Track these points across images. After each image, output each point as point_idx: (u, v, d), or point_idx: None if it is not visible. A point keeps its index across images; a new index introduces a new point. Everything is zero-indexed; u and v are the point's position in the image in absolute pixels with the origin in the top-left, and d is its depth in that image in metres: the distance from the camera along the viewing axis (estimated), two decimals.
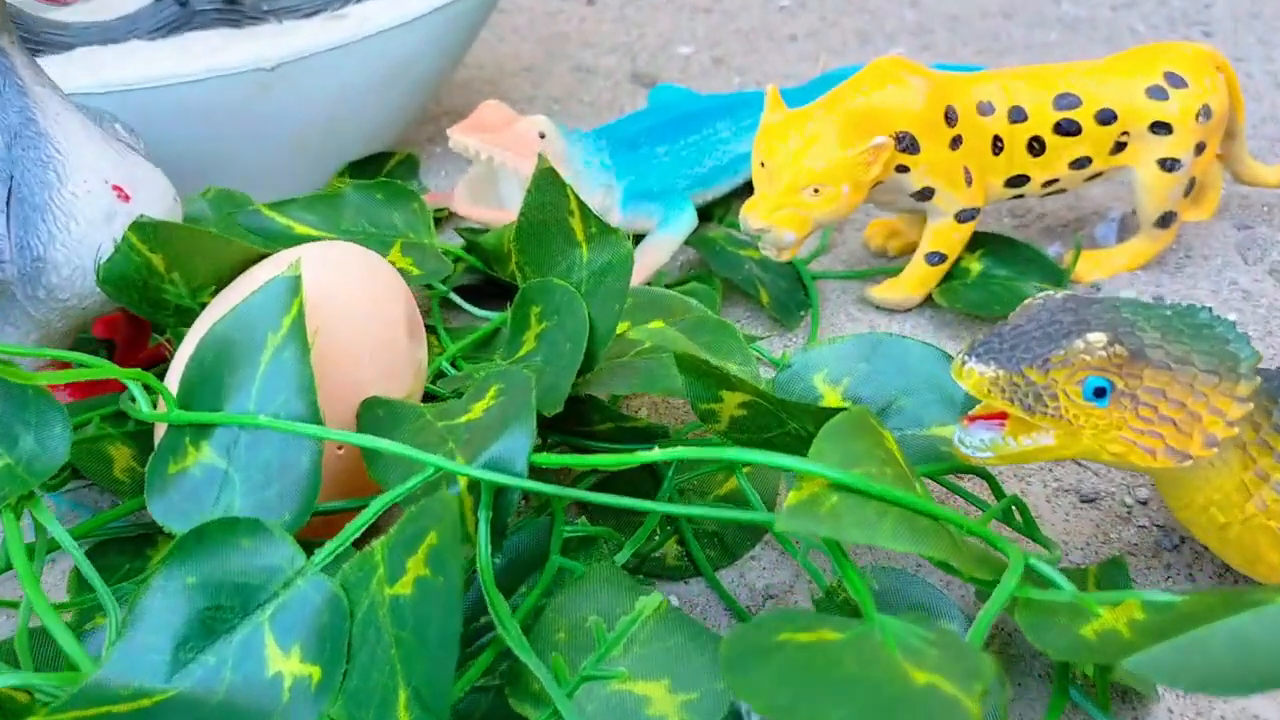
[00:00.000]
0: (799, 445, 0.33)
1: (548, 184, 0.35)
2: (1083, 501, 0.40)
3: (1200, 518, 0.32)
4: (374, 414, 0.33)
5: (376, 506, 0.30)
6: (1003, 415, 0.31)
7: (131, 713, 0.27)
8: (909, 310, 0.50)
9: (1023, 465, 0.42)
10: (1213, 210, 0.56)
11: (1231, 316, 0.50)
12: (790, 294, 0.50)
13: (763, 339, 0.48)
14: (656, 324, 0.37)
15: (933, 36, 0.76)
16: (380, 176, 0.55)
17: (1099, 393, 0.29)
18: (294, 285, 0.32)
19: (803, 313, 0.49)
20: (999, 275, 0.49)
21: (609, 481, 0.39)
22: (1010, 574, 0.27)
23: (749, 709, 0.27)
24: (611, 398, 0.42)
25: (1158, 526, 0.39)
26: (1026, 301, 0.32)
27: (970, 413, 0.32)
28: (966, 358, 0.30)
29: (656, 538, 0.38)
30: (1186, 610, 0.25)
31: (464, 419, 0.33)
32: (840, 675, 0.22)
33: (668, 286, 0.50)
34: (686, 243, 0.51)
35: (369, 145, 0.56)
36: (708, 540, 0.38)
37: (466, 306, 0.46)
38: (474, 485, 0.31)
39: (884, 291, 0.49)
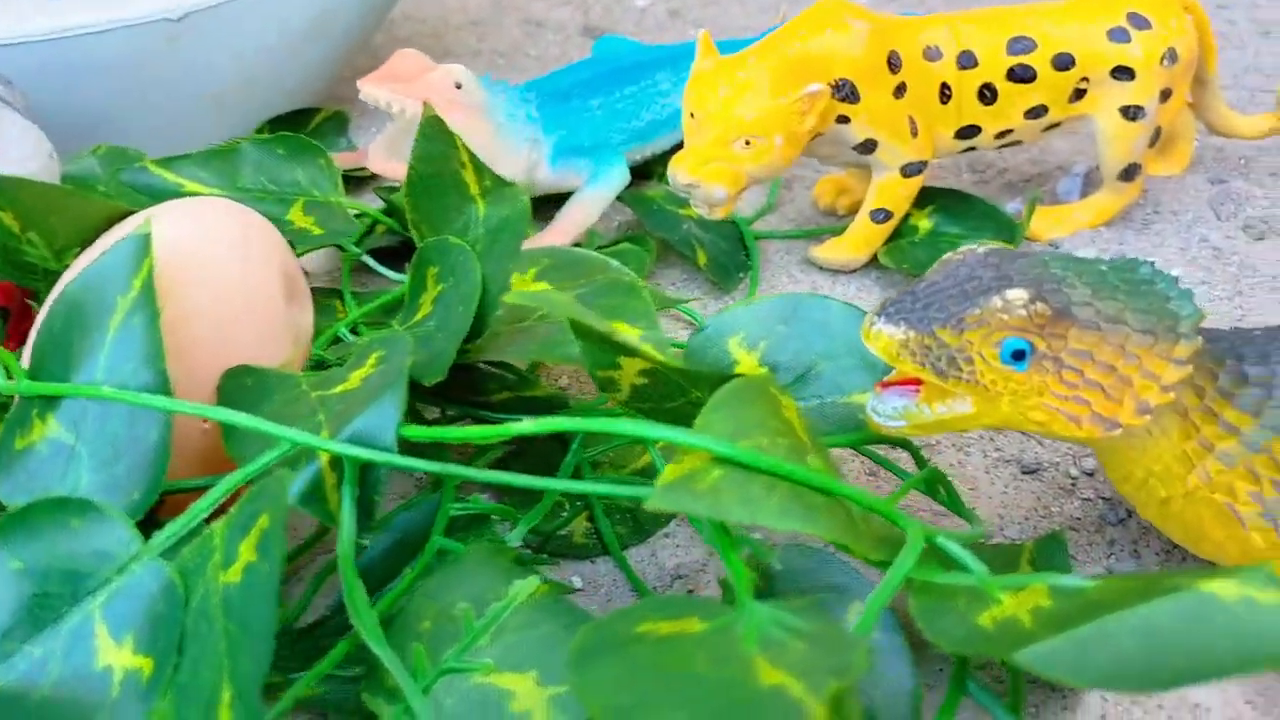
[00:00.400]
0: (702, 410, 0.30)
1: (435, 134, 0.32)
2: (1024, 473, 0.37)
3: (1140, 491, 0.30)
4: (240, 384, 0.30)
5: (224, 485, 0.27)
6: (918, 381, 0.29)
7: None
8: (854, 271, 0.47)
9: (963, 434, 0.39)
10: (1185, 163, 0.53)
11: (1200, 275, 0.47)
12: (731, 255, 0.47)
13: (691, 301, 0.45)
14: (540, 286, 0.34)
15: None
16: (305, 133, 0.52)
17: (1018, 355, 0.26)
18: (143, 245, 0.29)
19: (742, 274, 0.47)
20: (950, 233, 0.46)
21: (519, 455, 0.37)
22: (906, 554, 0.24)
23: None
24: (530, 365, 0.40)
25: (1103, 499, 0.36)
26: (946, 256, 0.29)
27: (884, 379, 0.30)
28: (875, 318, 0.28)
29: (565, 514, 0.35)
30: (1097, 597, 0.23)
31: (340, 389, 0.30)
32: (687, 674, 0.20)
33: (600, 248, 0.47)
34: (623, 201, 0.49)
35: (293, 101, 0.53)
36: (619, 516, 0.35)
37: (381, 269, 0.44)
38: (337, 461, 0.28)
39: (827, 252, 0.46)
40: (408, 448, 0.28)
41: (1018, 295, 0.26)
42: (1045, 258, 0.28)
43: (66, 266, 0.34)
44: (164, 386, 0.28)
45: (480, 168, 0.33)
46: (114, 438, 0.28)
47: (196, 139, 0.49)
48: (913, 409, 0.28)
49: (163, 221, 0.31)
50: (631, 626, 0.22)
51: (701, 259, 0.46)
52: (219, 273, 0.31)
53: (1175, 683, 0.21)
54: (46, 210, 0.32)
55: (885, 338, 0.27)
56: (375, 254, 0.45)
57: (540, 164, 0.47)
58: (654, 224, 0.47)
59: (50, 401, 0.29)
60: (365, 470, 0.28)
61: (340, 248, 0.44)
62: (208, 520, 0.27)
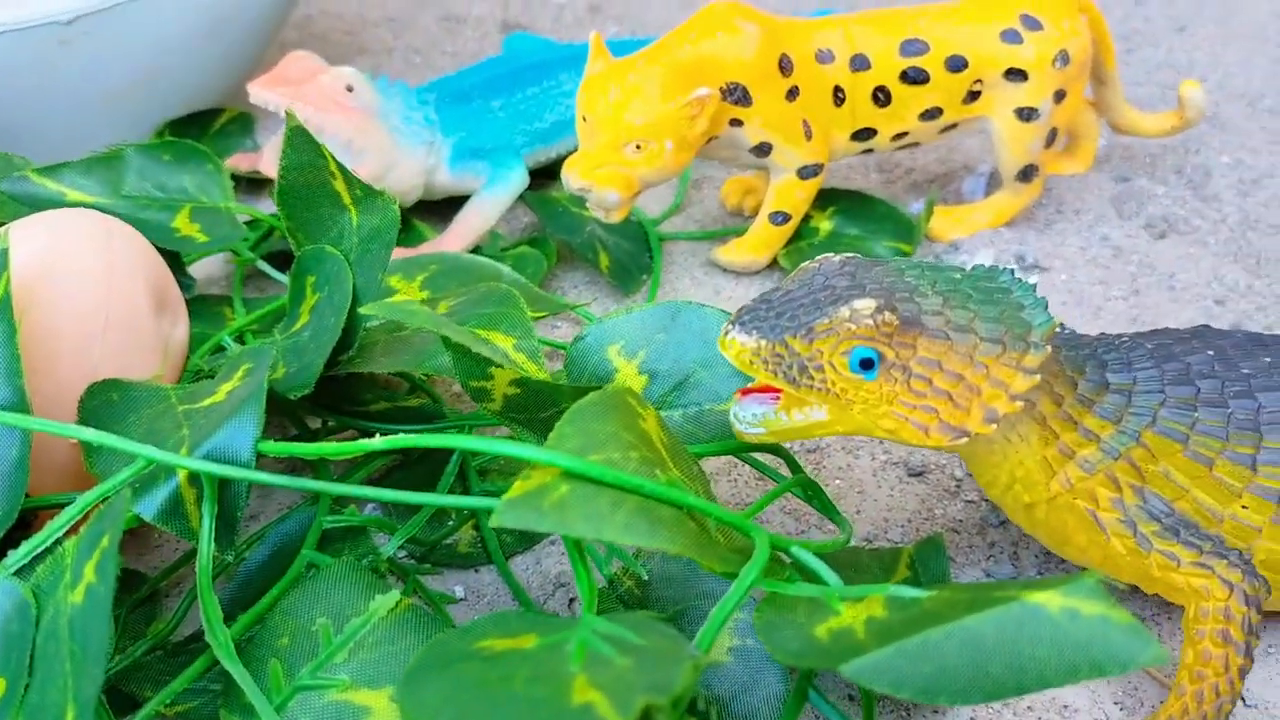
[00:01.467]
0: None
1: (301, 144, 0.32)
2: (910, 475, 0.38)
3: (1006, 496, 0.30)
4: (105, 399, 0.30)
5: (81, 504, 0.27)
6: (778, 391, 0.29)
7: None
8: (756, 273, 0.47)
9: (852, 439, 0.39)
10: (1089, 162, 0.53)
11: (1099, 275, 0.47)
12: (634, 256, 0.47)
13: (591, 304, 0.45)
14: (417, 297, 0.34)
15: None
16: (208, 136, 0.52)
17: (866, 364, 0.27)
18: (0, 260, 0.29)
19: (644, 276, 0.47)
20: (849, 234, 0.47)
21: (405, 465, 0.37)
22: (751, 565, 0.25)
23: None
24: (422, 376, 0.40)
25: (985, 501, 0.37)
26: (803, 265, 0.29)
27: (745, 386, 0.30)
28: (730, 326, 0.28)
29: (451, 522, 0.35)
30: (930, 608, 0.23)
31: (207, 402, 0.30)
32: (505, 692, 0.20)
33: (502, 250, 0.47)
34: (526, 203, 0.49)
35: (194, 103, 0.52)
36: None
37: (275, 274, 0.43)
38: (195, 478, 0.28)
39: (729, 254, 0.47)
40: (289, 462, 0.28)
41: (865, 305, 0.27)
42: (902, 265, 0.29)
43: None
44: (22, 404, 0.28)
45: (350, 177, 0.33)
46: None
47: (93, 143, 0.49)
48: (771, 416, 0.29)
49: (21, 234, 0.30)
50: (470, 643, 0.23)
51: (604, 262, 0.46)
52: (80, 286, 0.31)
53: (998, 694, 0.21)
54: None
55: (738, 346, 0.27)
56: (273, 259, 0.45)
57: (439, 166, 0.47)
58: (556, 227, 0.47)
59: None
60: (224, 486, 0.28)
61: (234, 253, 0.44)
62: (65, 537, 0.27)
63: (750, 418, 0.29)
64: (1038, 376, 0.27)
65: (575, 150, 0.51)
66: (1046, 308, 0.28)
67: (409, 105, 0.46)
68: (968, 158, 0.55)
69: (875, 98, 0.44)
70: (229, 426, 0.28)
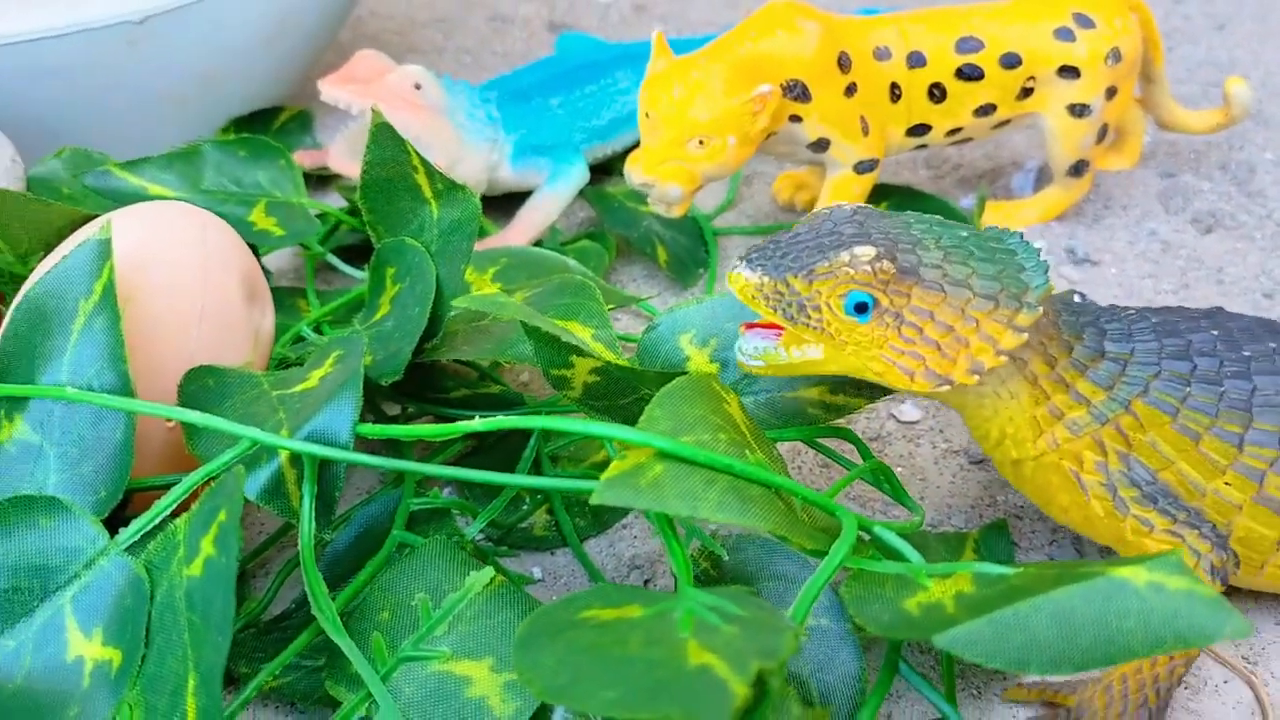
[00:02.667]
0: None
1: (386, 140, 0.33)
2: (971, 463, 0.39)
3: (996, 450, 0.31)
4: (202, 384, 0.31)
5: (188, 483, 0.28)
6: (780, 328, 0.30)
7: None
8: None
9: (914, 427, 0.40)
10: (1136, 158, 0.54)
11: (1148, 269, 0.48)
12: (691, 251, 0.48)
13: (652, 297, 0.46)
14: (490, 289, 0.35)
15: None
16: (270, 133, 0.53)
17: (860, 308, 0.28)
18: (104, 249, 0.30)
19: (701, 270, 0.48)
20: None
21: (481, 449, 0.38)
22: (840, 543, 0.25)
23: None
24: (492, 363, 0.41)
25: None
26: (814, 210, 0.30)
27: (751, 321, 0.31)
28: (739, 262, 0.29)
29: (525, 506, 0.36)
30: (1017, 583, 0.24)
31: (300, 388, 0.31)
32: (621, 655, 0.21)
33: (561, 244, 0.48)
34: (584, 198, 0.50)
35: (256, 101, 0.53)
36: (579, 509, 0.36)
37: (345, 268, 0.45)
38: (296, 459, 0.29)
39: None
40: (369, 444, 0.29)
41: (865, 252, 0.28)
42: (910, 219, 0.30)
43: (31, 270, 0.35)
44: (127, 388, 0.29)
45: (431, 171, 0.34)
46: (80, 438, 0.29)
47: (159, 140, 0.50)
48: (771, 350, 0.30)
49: (122, 226, 0.31)
50: (575, 613, 0.24)
51: (661, 256, 0.47)
52: (179, 276, 0.32)
53: (1086, 664, 0.22)
54: (9, 217, 0.33)
55: (743, 280, 0.29)
56: (339, 252, 0.46)
57: (502, 163, 0.48)
58: (614, 221, 0.48)
59: (17, 403, 0.30)
60: (324, 467, 0.29)
61: (305, 246, 0.45)
62: (172, 516, 0.28)
63: (752, 350, 0.30)
64: (1026, 335, 0.28)
65: (631, 146, 0.53)
66: (1047, 271, 0.29)
67: (473, 103, 0.47)
68: (1015, 153, 0.56)
69: (931, 94, 0.45)
70: (328, 410, 0.29)
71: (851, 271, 0.28)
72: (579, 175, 0.48)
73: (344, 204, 0.49)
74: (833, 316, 0.28)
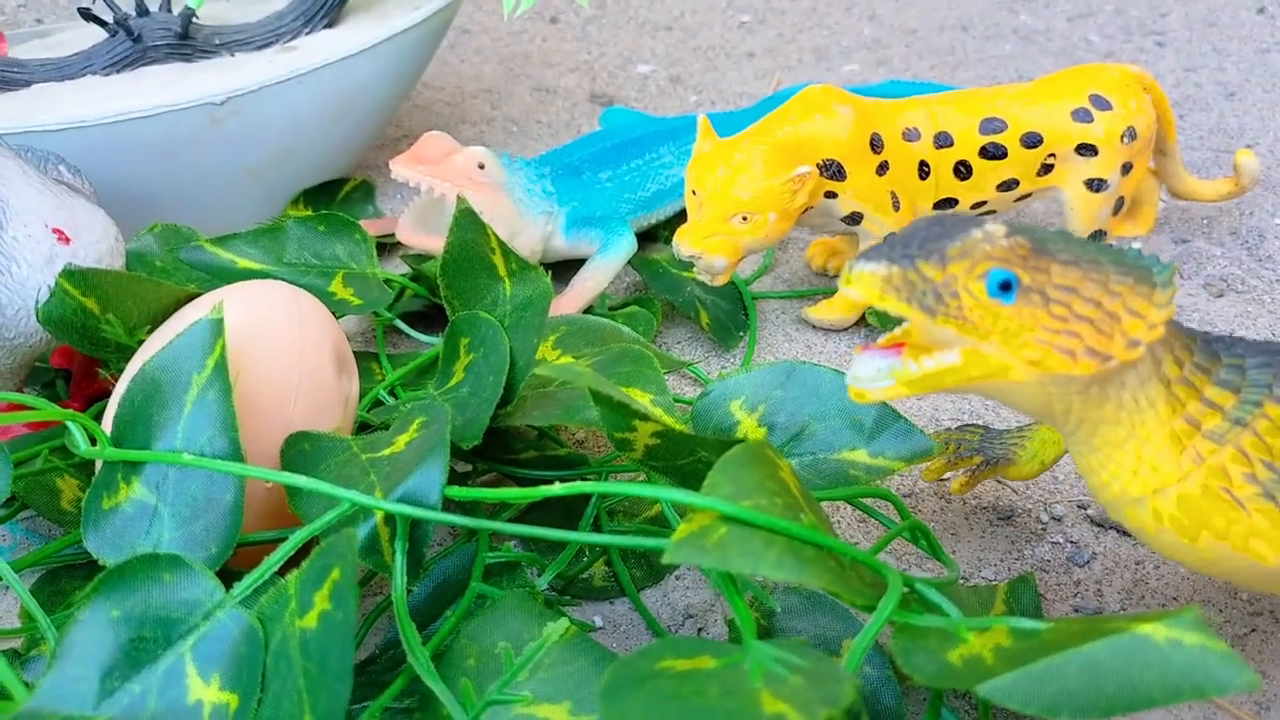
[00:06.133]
0: (709, 472, 0.34)
1: (468, 223, 0.37)
2: (999, 519, 0.41)
3: (1132, 485, 0.29)
4: (300, 449, 0.34)
5: (295, 541, 0.31)
6: (899, 345, 0.28)
7: None
8: (844, 329, 0.51)
9: (945, 483, 0.43)
10: (1150, 225, 0.57)
11: None
12: (731, 315, 0.52)
13: (698, 363, 0.49)
14: (567, 359, 0.38)
15: (889, 51, 0.78)
16: (335, 203, 0.57)
17: (1004, 287, 0.26)
18: (216, 327, 0.33)
19: (741, 333, 0.51)
20: None
21: (540, 507, 0.41)
22: (887, 599, 0.28)
23: None
24: (550, 425, 0.44)
25: (1071, 543, 0.40)
26: (913, 220, 0.29)
27: (861, 345, 0.29)
28: (853, 263, 0.26)
29: (585, 559, 0.39)
30: (1049, 638, 0.27)
31: (387, 452, 0.34)
32: (701, 704, 0.24)
33: (610, 309, 0.51)
34: (631, 265, 0.53)
35: (324, 173, 0.57)
36: (634, 561, 0.39)
37: (412, 333, 0.48)
38: (390, 518, 0.32)
39: (819, 312, 0.51)
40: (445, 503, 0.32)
41: (997, 228, 0.26)
42: (1009, 220, 0.30)
43: (139, 342, 0.38)
44: (238, 454, 0.32)
45: (507, 252, 0.37)
46: (192, 499, 0.32)
47: (237, 211, 0.54)
48: (899, 366, 0.27)
49: (230, 305, 0.35)
50: (652, 664, 0.26)
51: (704, 320, 0.50)
52: (280, 350, 0.35)
53: (1112, 711, 0.25)
54: (123, 295, 0.36)
55: (868, 276, 0.26)
56: (403, 317, 0.50)
57: (556, 234, 0.51)
58: (660, 287, 0.51)
59: (134, 467, 0.33)
60: (414, 526, 0.32)
61: (375, 312, 0.48)
62: (280, 572, 0.31)
63: (874, 372, 0.27)
64: (1172, 308, 0.27)
65: (674, 215, 0.56)
66: (1160, 260, 0.28)
67: (529, 179, 0.50)
68: (1034, 221, 0.59)
69: (957, 171, 0.48)
70: (419, 474, 0.32)
71: (988, 247, 0.25)
72: (628, 246, 0.51)
73: (406, 270, 0.52)
74: (974, 302, 0.25)
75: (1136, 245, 0.50)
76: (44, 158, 0.42)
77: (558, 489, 0.30)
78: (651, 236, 0.56)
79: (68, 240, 0.38)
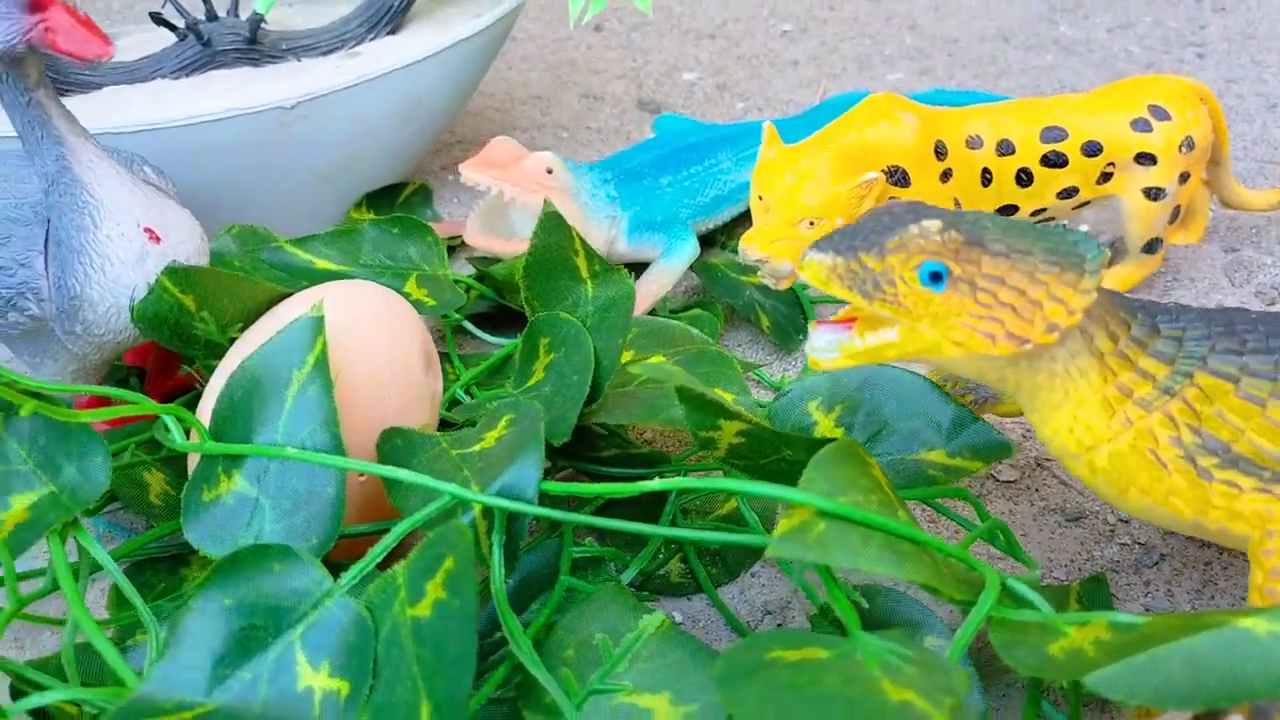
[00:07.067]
0: (792, 470, 0.35)
1: (554, 227, 0.37)
2: (1068, 520, 0.42)
3: (1069, 441, 0.32)
4: (393, 444, 0.35)
5: (398, 532, 0.32)
6: (851, 320, 0.31)
7: None
8: None
9: (1013, 486, 0.44)
10: (1201, 234, 0.58)
11: None
12: (790, 319, 0.52)
13: (763, 366, 0.50)
14: (656, 358, 0.39)
15: (931, 61, 0.78)
16: (396, 206, 0.58)
17: (935, 277, 0.29)
18: (317, 325, 0.34)
19: (801, 336, 0.52)
20: None
21: (617, 503, 0.41)
22: (986, 595, 0.29)
23: None
24: (619, 425, 0.45)
25: (1139, 544, 0.41)
26: (871, 208, 0.32)
27: (817, 320, 0.32)
28: (807, 251, 0.30)
29: (661, 556, 0.40)
30: (1149, 631, 0.27)
31: (477, 447, 0.35)
32: (822, 692, 0.24)
33: (671, 312, 0.52)
34: (690, 269, 0.54)
35: (386, 176, 0.58)
36: (710, 559, 0.40)
37: (479, 333, 0.49)
38: (487, 511, 0.33)
39: None
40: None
41: (933, 223, 0.29)
42: (964, 212, 0.31)
43: (230, 339, 0.39)
44: (339, 447, 0.33)
45: (591, 254, 0.38)
46: (294, 492, 0.33)
47: (300, 213, 0.54)
48: (845, 340, 0.31)
49: (326, 304, 0.35)
50: (761, 654, 0.27)
51: (764, 323, 0.51)
52: (374, 348, 0.36)
53: (1213, 702, 0.25)
54: (220, 293, 0.37)
55: (816, 264, 0.29)
56: (470, 318, 0.50)
57: (618, 238, 0.52)
58: (720, 290, 0.52)
59: (234, 460, 0.34)
60: (511, 519, 0.33)
61: (443, 314, 0.49)
62: (383, 563, 0.32)
63: (824, 344, 0.31)
64: (1094, 295, 0.29)
65: (731, 220, 0.57)
66: (1100, 248, 0.30)
67: (594, 184, 0.51)
68: (1089, 229, 0.59)
69: (1019, 178, 0.49)
70: (515, 468, 0.32)
71: (922, 242, 0.29)
72: (691, 249, 0.52)
73: (472, 272, 0.53)
74: (908, 289, 0.29)
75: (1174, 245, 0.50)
76: (130, 159, 0.43)
77: (656, 484, 0.31)
78: (710, 241, 0.56)
79: (158, 239, 0.39)
